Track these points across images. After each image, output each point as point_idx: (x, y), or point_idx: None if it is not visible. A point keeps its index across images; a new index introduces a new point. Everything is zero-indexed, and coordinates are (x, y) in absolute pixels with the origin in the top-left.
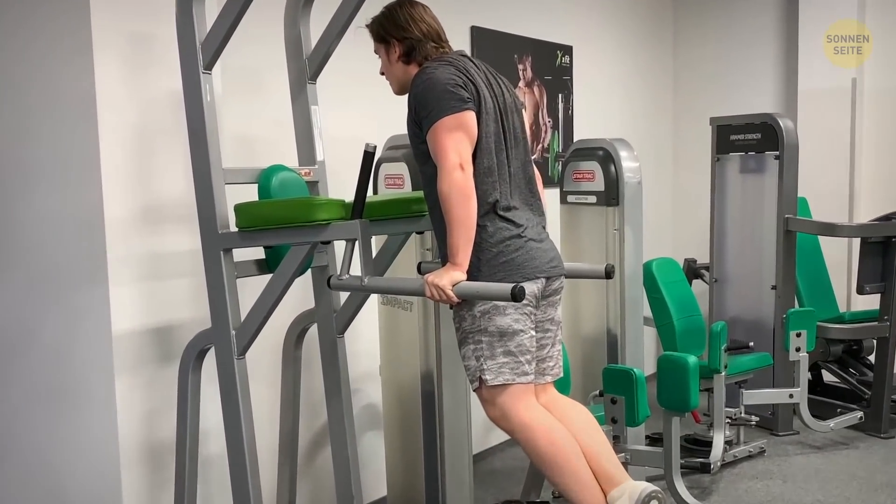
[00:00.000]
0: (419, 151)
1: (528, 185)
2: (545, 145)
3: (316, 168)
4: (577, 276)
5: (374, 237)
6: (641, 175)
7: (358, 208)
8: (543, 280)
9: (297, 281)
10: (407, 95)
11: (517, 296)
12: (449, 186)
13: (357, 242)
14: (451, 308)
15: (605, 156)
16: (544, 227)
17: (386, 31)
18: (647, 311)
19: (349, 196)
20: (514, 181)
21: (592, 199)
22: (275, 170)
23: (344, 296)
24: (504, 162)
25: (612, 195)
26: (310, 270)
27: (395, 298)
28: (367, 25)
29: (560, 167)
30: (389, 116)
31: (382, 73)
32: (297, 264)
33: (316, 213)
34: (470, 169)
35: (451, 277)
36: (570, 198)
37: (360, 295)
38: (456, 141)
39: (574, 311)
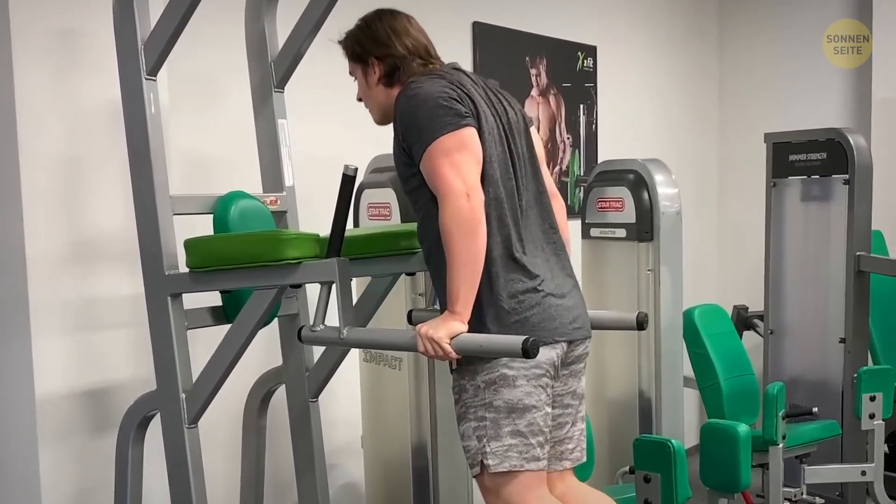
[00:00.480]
0: (410, 184)
1: (544, 219)
2: (563, 167)
3: (284, 195)
4: (603, 326)
5: (354, 279)
6: (681, 203)
7: (335, 244)
8: (565, 345)
9: (262, 333)
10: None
11: (529, 351)
12: (452, 218)
13: (334, 286)
14: (451, 370)
15: (636, 180)
16: (570, 273)
17: (363, 48)
18: (688, 370)
19: (324, 229)
20: (527, 217)
21: (621, 232)
22: (234, 197)
23: (318, 351)
24: (513, 193)
25: (644, 228)
26: (276, 320)
27: (381, 354)
28: (339, 42)
29: (582, 194)
30: (373, 132)
31: (360, 100)
32: (260, 312)
33: (284, 250)
34: (479, 196)
35: (449, 329)
36: (594, 231)
37: (337, 350)
38: (458, 164)
39: (599, 369)
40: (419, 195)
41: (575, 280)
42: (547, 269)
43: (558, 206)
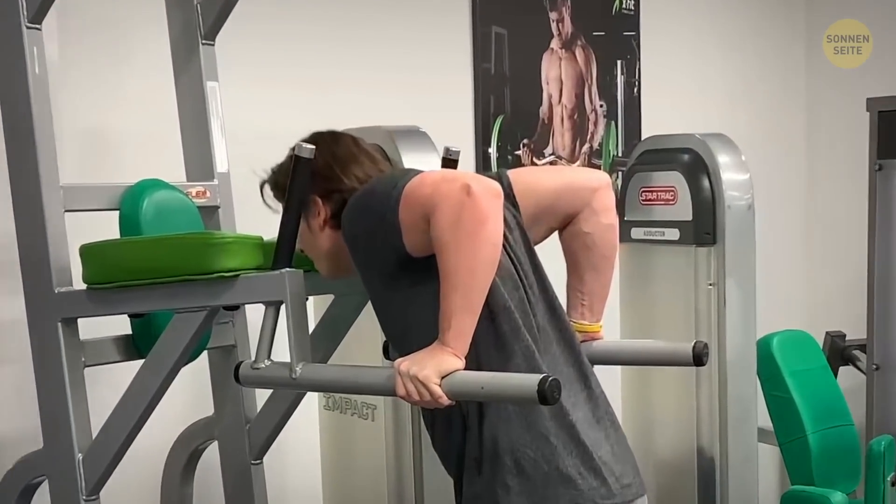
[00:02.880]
0: (398, 298)
1: (561, 333)
2: (594, 145)
3: (215, 185)
4: (649, 361)
5: (311, 298)
6: (753, 194)
7: (285, 251)
8: None
9: (186, 372)
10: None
11: (547, 394)
12: (446, 218)
13: (284, 307)
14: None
15: (693, 163)
16: (607, 411)
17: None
18: (765, 420)
19: (271, 231)
20: (545, 342)
21: (672, 233)
22: (147, 188)
23: (262, 396)
24: (527, 311)
25: (704, 228)
26: (205, 354)
27: (348, 400)
28: (265, 183)
29: (619, 182)
30: (337, 100)
31: (301, 251)
32: (183, 344)
33: (215, 259)
34: (487, 185)
35: (440, 365)
36: (636, 232)
37: (288, 395)
38: (448, 176)
39: (644, 419)
40: (410, 302)
41: (612, 415)
42: (579, 414)
43: (607, 233)
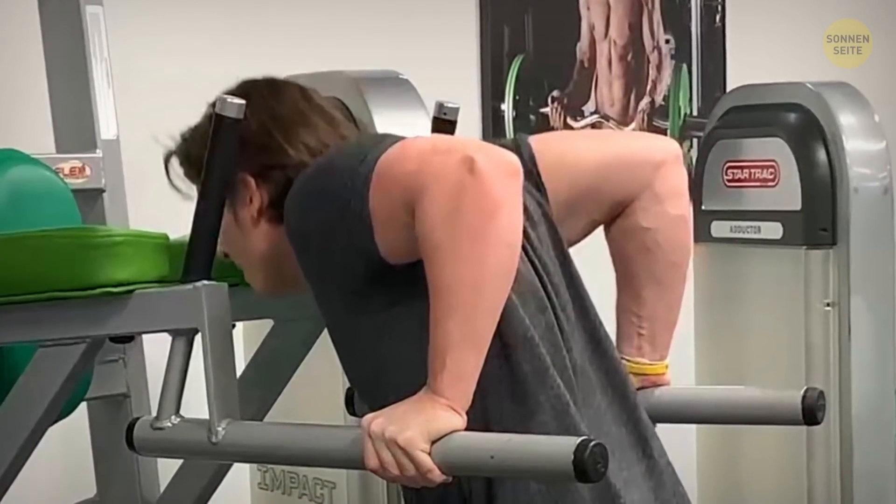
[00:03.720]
0: (358, 331)
1: (607, 377)
2: (656, 99)
3: (98, 158)
4: (739, 418)
5: (239, 325)
6: (892, 172)
7: (201, 255)
8: None
9: (57, 432)
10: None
11: (588, 466)
12: (449, 198)
13: (201, 338)
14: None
15: (802, 125)
16: (676, 492)
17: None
18: None
19: (181, 227)
20: (585, 390)
21: (772, 229)
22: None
23: (169, 469)
24: (558, 344)
25: (820, 221)
26: (83, 407)
27: (294, 475)
28: (175, 155)
29: (695, 153)
30: (280, 37)
31: (226, 255)
32: (51, 392)
33: (98, 268)
34: (499, 156)
35: (429, 423)
36: (720, 227)
37: (206, 468)
38: (440, 141)
39: (729, 499)
40: (385, 331)
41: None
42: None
43: (676, 229)
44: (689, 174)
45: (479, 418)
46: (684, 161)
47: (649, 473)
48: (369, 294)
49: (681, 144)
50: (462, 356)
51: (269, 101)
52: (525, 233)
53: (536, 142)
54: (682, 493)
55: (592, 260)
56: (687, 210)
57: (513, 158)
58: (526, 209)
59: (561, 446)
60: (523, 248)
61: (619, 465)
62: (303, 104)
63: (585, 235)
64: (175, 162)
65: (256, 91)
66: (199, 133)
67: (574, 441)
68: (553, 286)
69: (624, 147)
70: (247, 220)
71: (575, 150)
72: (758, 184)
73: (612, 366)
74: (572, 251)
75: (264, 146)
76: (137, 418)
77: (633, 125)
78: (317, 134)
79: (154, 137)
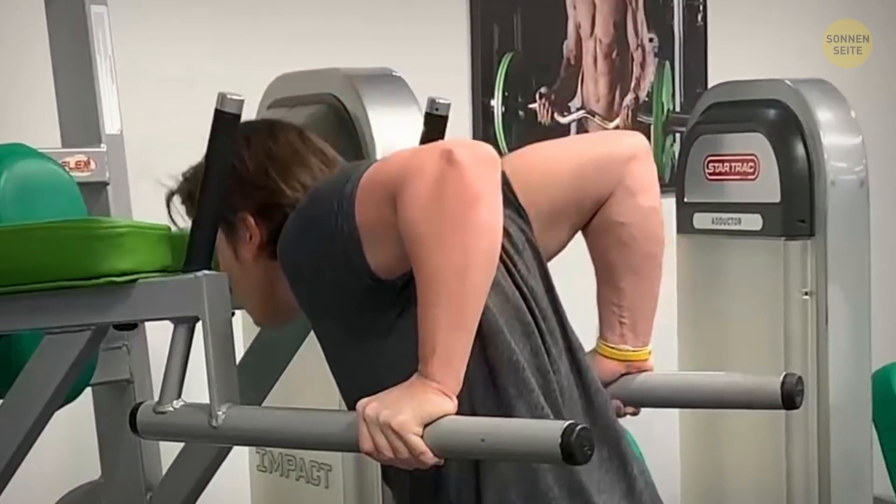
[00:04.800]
0: (354, 355)
1: (587, 398)
2: (640, 95)
3: (102, 152)
4: (720, 402)
5: (239, 314)
6: (867, 166)
7: (202, 246)
8: None
9: (62, 416)
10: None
11: (574, 448)
12: (430, 190)
13: (202, 326)
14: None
15: (781, 120)
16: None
17: (226, 202)
18: (882, 485)
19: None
20: (571, 412)
21: (752, 220)
22: (5, 156)
23: (171, 452)
24: (545, 368)
25: (798, 213)
26: (88, 392)
27: (291, 458)
28: (177, 193)
29: (677, 148)
30: (277, 36)
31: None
32: (56, 377)
33: (102, 258)
34: (475, 150)
35: (421, 407)
36: (701, 219)
37: (207, 451)
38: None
39: (711, 483)
40: (384, 354)
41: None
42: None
43: (649, 220)
44: (672, 168)
45: (467, 409)
46: (668, 155)
47: (629, 494)
48: (364, 318)
49: (664, 139)
50: (451, 341)
51: (266, 141)
52: (511, 259)
53: (506, 164)
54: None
55: (567, 261)
56: (658, 201)
57: (490, 150)
58: (510, 235)
59: (549, 430)
60: (510, 274)
61: (599, 485)
62: (298, 144)
63: (568, 241)
64: (177, 200)
65: (255, 132)
66: (199, 173)
67: (561, 425)
68: (541, 311)
69: (593, 149)
70: (247, 257)
71: (546, 162)
72: (738, 177)
73: (595, 387)
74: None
75: (262, 186)
76: (140, 403)
77: (617, 120)
78: (312, 173)
79: (158, 180)
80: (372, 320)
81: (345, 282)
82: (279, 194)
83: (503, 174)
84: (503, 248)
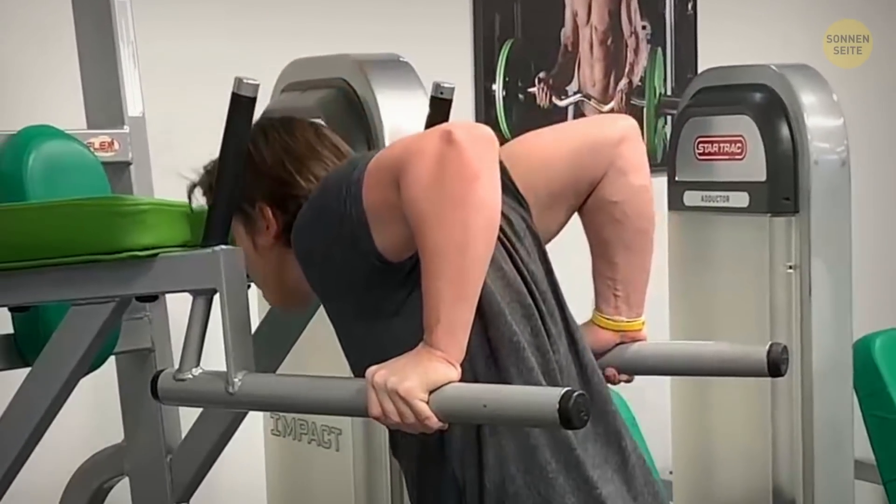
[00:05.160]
0: (367, 335)
1: (584, 376)
2: (634, 80)
3: (125, 133)
4: (709, 370)
5: (254, 286)
6: (849, 147)
7: (219, 222)
8: None
9: (87, 383)
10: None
11: (572, 413)
12: (431, 169)
13: (219, 297)
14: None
15: (767, 103)
16: (647, 481)
17: (244, 193)
18: (863, 449)
19: (200, 196)
20: (568, 383)
21: (739, 198)
22: (33, 138)
23: (190, 417)
24: (545, 348)
25: (783, 190)
26: (112, 361)
27: (303, 422)
28: (198, 185)
29: (669, 130)
30: (290, 22)
31: (248, 276)
32: (82, 347)
33: (125, 233)
34: (474, 131)
35: (426, 374)
36: (692, 196)
37: (223, 416)
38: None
39: (700, 447)
40: (395, 332)
41: (655, 490)
42: (605, 476)
43: (640, 198)
44: (664, 149)
45: (469, 378)
46: (660, 136)
47: (623, 467)
48: (373, 299)
49: (656, 121)
50: (454, 311)
51: (283, 136)
52: (513, 245)
53: (503, 153)
54: (652, 483)
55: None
56: (648, 180)
57: (488, 130)
58: (511, 223)
59: (547, 396)
60: (512, 259)
61: (594, 459)
62: (314, 139)
63: (566, 222)
64: (198, 192)
65: (272, 128)
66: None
67: (559, 391)
68: (541, 294)
69: (585, 133)
70: (264, 246)
71: (541, 148)
72: (726, 157)
73: (591, 367)
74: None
75: (279, 178)
76: (161, 371)
77: (612, 104)
78: (326, 166)
79: (170, 119)
80: (380, 301)
81: (354, 265)
82: (295, 186)
83: (501, 164)
84: (505, 234)
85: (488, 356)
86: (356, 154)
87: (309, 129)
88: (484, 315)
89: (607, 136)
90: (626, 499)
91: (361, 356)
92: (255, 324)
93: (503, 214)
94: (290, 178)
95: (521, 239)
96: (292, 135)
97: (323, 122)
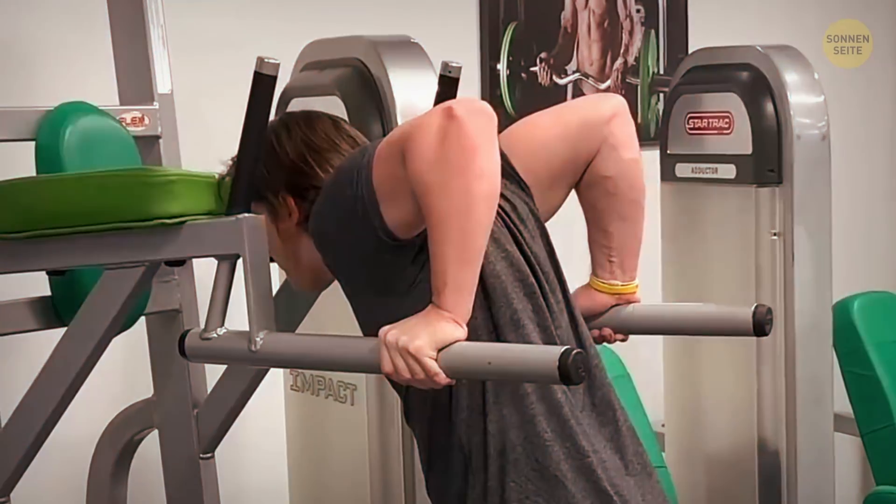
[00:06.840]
0: (383, 310)
1: (581, 344)
2: (629, 60)
3: (155, 109)
4: (698, 330)
5: None
6: (829, 122)
7: (242, 192)
8: None
9: (119, 342)
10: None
11: (570, 370)
12: (433, 143)
13: (242, 262)
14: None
15: (753, 81)
16: (636, 451)
17: (265, 180)
18: (842, 404)
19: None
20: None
21: (727, 170)
22: (69, 113)
23: (215, 373)
24: (546, 324)
25: (767, 163)
26: (142, 321)
27: (321, 379)
28: (228, 177)
29: (661, 106)
30: (309, 4)
31: (271, 260)
32: (114, 308)
33: (155, 202)
34: (476, 109)
35: (435, 334)
36: (682, 168)
37: (246, 372)
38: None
39: (690, 402)
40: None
41: (645, 460)
42: (597, 446)
43: (631, 171)
44: (657, 124)
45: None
46: (653, 112)
47: (614, 437)
48: (385, 277)
49: (650, 98)
50: (459, 273)
51: (304, 131)
52: (517, 228)
53: (502, 140)
54: (640, 453)
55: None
56: (638, 153)
57: (486, 106)
58: (515, 208)
59: (548, 353)
60: (516, 241)
61: (587, 430)
62: (333, 133)
63: (565, 198)
64: (227, 183)
65: (294, 123)
66: None
67: (559, 349)
68: (544, 273)
69: (578, 114)
70: (287, 232)
71: (537, 131)
72: (715, 132)
73: (589, 340)
74: None
75: (300, 170)
76: (188, 330)
77: (608, 82)
78: (343, 158)
79: (196, 95)
80: (392, 279)
81: (367, 244)
82: (315, 177)
83: (501, 151)
84: (510, 218)
85: (491, 332)
86: (370, 143)
87: (328, 124)
88: (489, 294)
89: (599, 114)
90: (618, 466)
91: (374, 326)
92: (275, 287)
93: (507, 199)
94: (311, 170)
95: (525, 222)
96: (313, 129)
97: (340, 99)
